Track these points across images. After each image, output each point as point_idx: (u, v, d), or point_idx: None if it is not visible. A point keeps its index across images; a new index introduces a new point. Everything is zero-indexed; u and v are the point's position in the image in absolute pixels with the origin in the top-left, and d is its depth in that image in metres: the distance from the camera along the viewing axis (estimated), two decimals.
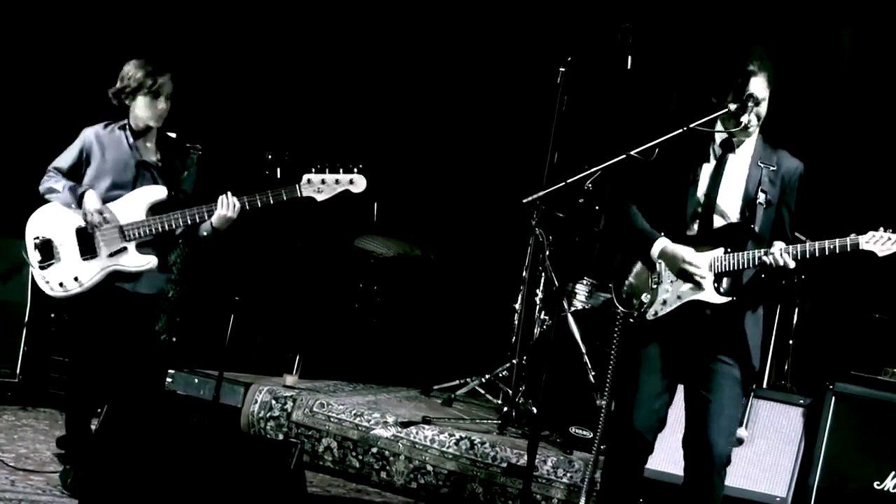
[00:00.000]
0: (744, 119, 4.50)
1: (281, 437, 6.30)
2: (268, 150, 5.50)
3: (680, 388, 4.68)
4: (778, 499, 5.56)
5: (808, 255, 4.35)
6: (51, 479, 5.28)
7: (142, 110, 5.38)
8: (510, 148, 8.48)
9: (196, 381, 6.68)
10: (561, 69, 6.46)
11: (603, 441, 5.25)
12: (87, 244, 5.32)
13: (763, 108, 4.53)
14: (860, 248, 4.31)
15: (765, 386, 6.68)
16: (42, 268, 5.35)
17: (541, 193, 4.96)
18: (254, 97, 8.43)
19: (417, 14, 8.73)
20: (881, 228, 4.31)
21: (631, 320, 4.64)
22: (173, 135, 5.60)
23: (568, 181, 4.76)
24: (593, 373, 6.24)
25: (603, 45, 6.40)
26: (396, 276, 8.39)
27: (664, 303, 4.57)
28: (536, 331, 6.94)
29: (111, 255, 5.31)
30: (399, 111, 8.89)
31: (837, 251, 4.33)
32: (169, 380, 6.62)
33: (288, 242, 8.33)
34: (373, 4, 8.75)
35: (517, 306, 7.12)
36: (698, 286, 4.51)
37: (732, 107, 4.48)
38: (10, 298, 6.75)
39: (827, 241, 4.34)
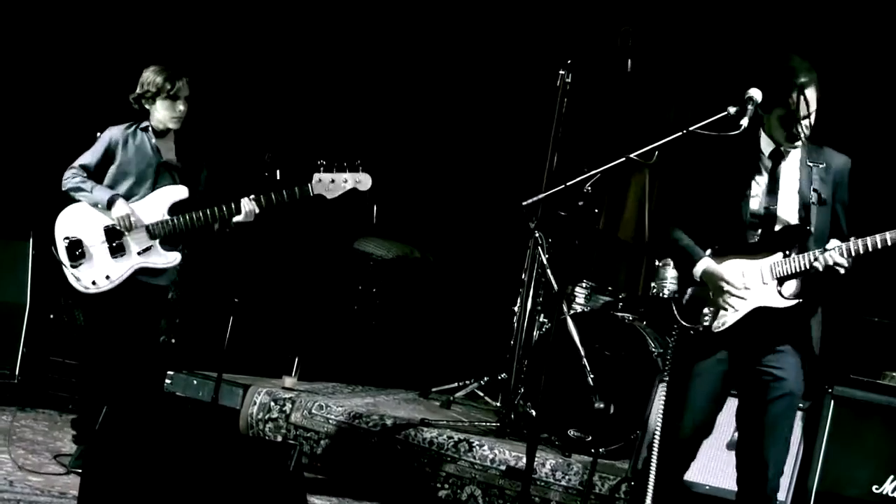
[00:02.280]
0: (742, 122, 4.49)
1: (280, 438, 6.30)
2: (267, 152, 5.65)
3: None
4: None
5: (861, 252, 4.32)
6: (49, 480, 5.29)
7: (161, 113, 5.63)
8: (510, 150, 8.48)
9: (195, 382, 6.68)
10: (561, 72, 6.46)
11: (652, 450, 5.16)
12: (116, 242, 5.56)
13: (813, 118, 4.51)
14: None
15: None
16: (73, 266, 5.56)
17: (540, 196, 4.96)
18: (254, 100, 8.44)
19: (417, 17, 8.73)
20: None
21: (692, 333, 4.60)
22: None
23: (567, 184, 4.76)
24: (592, 376, 6.23)
25: (603, 48, 6.41)
26: (395, 278, 8.40)
27: (729, 316, 4.53)
28: (535, 334, 6.94)
29: (140, 252, 5.57)
30: (399, 114, 8.89)
31: (889, 244, 4.28)
32: (168, 381, 6.63)
33: (287, 244, 8.33)
34: (372, 7, 8.75)
35: (516, 309, 7.12)
36: (738, 300, 4.50)
37: (732, 110, 4.48)
38: (10, 299, 6.76)
39: (878, 235, 4.29)
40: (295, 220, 7.99)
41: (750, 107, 4.47)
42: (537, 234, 6.64)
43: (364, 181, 5.60)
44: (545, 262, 6.44)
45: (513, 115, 8.48)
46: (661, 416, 4.69)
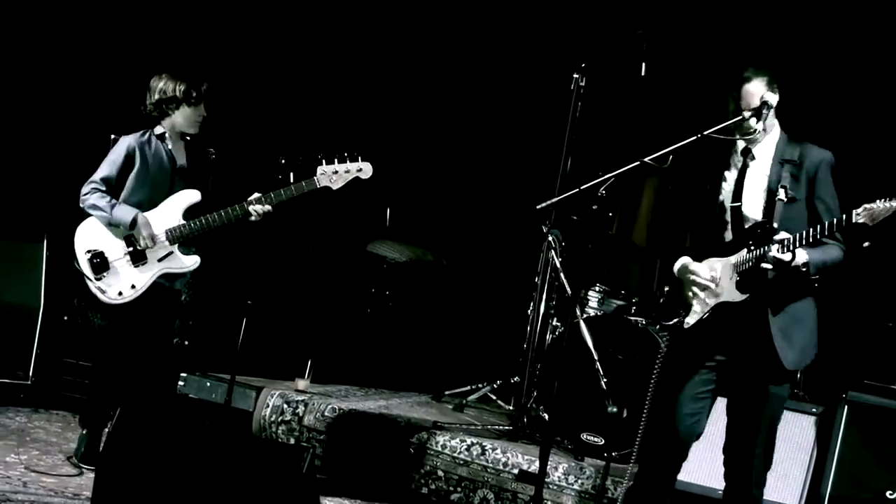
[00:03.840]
0: (756, 125, 4.51)
1: (292, 441, 6.30)
2: (281, 155, 5.68)
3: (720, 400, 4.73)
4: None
5: (803, 242, 4.32)
6: (62, 481, 5.30)
7: (183, 118, 5.68)
8: (523, 154, 8.47)
9: (208, 384, 6.69)
10: (575, 75, 6.46)
11: (639, 450, 5.18)
12: (137, 251, 5.60)
13: (761, 110, 4.53)
14: (853, 222, 4.21)
15: None
16: (98, 279, 5.59)
17: (554, 200, 4.95)
18: (267, 104, 8.44)
19: (432, 21, 8.73)
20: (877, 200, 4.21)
21: (668, 326, 4.66)
22: (212, 150, 5.89)
23: (581, 187, 4.76)
24: (605, 380, 6.22)
25: (617, 52, 6.40)
26: (409, 281, 8.39)
27: (697, 311, 4.61)
28: (548, 337, 6.93)
29: (160, 259, 5.60)
30: (412, 117, 8.89)
31: (827, 233, 4.29)
32: (181, 383, 6.64)
33: (301, 247, 8.34)
34: (386, 11, 8.76)
35: (529, 312, 7.11)
36: (708, 294, 4.52)
37: (747, 114, 4.50)
38: (24, 301, 6.78)
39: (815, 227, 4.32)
40: (308, 223, 7.99)
41: (765, 111, 4.49)
42: (550, 238, 6.63)
43: (365, 169, 5.69)
44: (558, 265, 6.43)
45: (527, 118, 8.47)
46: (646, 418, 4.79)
